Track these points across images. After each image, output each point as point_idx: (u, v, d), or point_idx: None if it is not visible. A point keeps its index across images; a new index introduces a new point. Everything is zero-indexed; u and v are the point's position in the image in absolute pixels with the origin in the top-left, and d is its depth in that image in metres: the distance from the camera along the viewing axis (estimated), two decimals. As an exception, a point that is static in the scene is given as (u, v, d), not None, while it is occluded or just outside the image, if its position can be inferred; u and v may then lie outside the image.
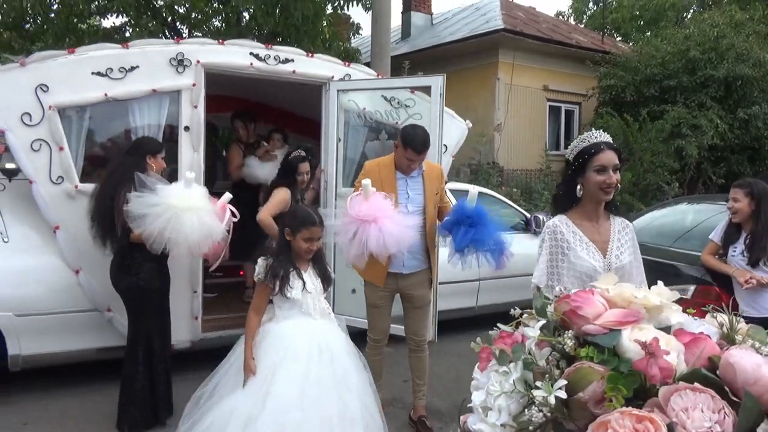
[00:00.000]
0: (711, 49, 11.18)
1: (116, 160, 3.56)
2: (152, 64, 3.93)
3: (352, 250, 3.08)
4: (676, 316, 1.06)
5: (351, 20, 17.54)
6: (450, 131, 5.17)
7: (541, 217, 6.04)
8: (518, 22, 13.09)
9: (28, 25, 12.04)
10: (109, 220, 3.42)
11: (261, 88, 5.30)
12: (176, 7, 12.46)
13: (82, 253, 3.72)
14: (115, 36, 12.92)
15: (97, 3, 12.19)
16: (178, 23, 13.80)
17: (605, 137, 2.34)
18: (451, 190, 5.92)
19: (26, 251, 3.75)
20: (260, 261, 2.83)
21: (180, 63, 4.02)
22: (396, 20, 16.26)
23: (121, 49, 3.90)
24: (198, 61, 4.07)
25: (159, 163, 3.60)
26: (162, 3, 11.89)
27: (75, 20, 12.16)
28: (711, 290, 3.47)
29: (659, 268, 3.85)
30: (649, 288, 1.23)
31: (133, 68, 3.86)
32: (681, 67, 11.36)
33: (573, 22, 22.59)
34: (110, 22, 13.34)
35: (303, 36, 13.09)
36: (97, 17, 13.74)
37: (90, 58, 3.78)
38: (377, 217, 3.01)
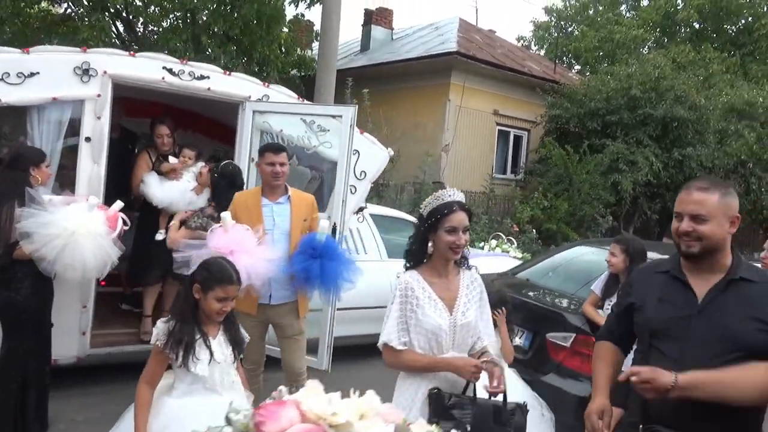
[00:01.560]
0: (652, 88, 11.56)
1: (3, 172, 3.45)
2: (54, 71, 3.83)
3: None
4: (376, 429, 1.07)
5: (313, 26, 17.56)
6: (370, 158, 5.20)
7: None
8: (473, 46, 13.29)
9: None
10: None
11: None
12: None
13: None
14: (64, 27, 12.59)
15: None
16: (131, 16, 13.53)
17: (459, 197, 2.40)
18: (374, 215, 5.97)
19: None
20: (160, 324, 2.43)
21: (85, 72, 3.92)
22: (357, 32, 16.35)
23: (21, 54, 3.79)
24: (105, 72, 3.99)
25: (44, 173, 3.50)
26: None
27: (22, 4, 11.78)
28: (589, 340, 3.56)
29: (545, 315, 3.94)
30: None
31: (32, 74, 3.75)
32: (623, 104, 11.71)
33: (534, 48, 23.09)
34: (61, 8, 12.87)
35: (258, 40, 13.00)
36: (47, 2, 13.36)
37: (-15, 61, 3.66)
38: (233, 250, 3.02)
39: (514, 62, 13.90)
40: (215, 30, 12.46)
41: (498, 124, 13.53)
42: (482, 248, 7.86)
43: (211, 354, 2.41)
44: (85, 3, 12.63)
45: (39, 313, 3.53)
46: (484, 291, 2.54)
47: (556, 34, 21.28)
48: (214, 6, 12.69)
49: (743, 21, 19.91)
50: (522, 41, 23.85)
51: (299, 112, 4.53)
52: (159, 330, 2.42)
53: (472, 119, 12.92)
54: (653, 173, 11.20)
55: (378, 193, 10.46)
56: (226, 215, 3.13)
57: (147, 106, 5.42)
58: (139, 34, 13.64)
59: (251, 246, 3.10)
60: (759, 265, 3.93)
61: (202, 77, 4.38)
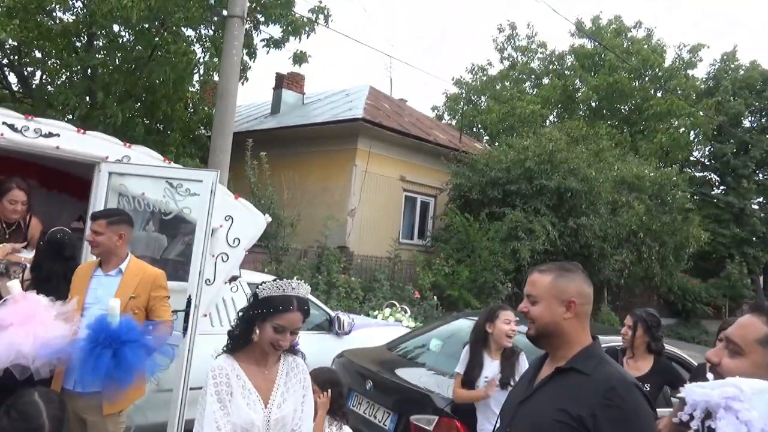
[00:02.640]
0: (546, 161, 12.10)
1: None
2: None
3: None
4: None
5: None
6: (245, 224, 4.94)
7: (344, 317, 5.89)
8: (380, 113, 13.54)
9: None
10: None
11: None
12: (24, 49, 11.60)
13: None
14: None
15: None
16: (27, 69, 12.91)
17: (302, 291, 2.20)
18: (252, 284, 5.64)
19: None
20: None
21: None
22: (269, 95, 16.36)
23: None
24: (-72, 127, 3.58)
25: None
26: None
27: None
28: (452, 424, 3.38)
29: (411, 396, 3.73)
30: None
31: None
32: (521, 174, 12.15)
33: (447, 119, 23.99)
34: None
35: (161, 98, 12.68)
36: None
37: None
38: (13, 323, 2.67)
39: (421, 131, 14.26)
40: (115, 87, 12.06)
41: (405, 189, 13.67)
42: (375, 317, 7.65)
43: None
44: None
45: None
46: (308, 378, 2.32)
47: (463, 106, 22.22)
48: (116, 64, 12.35)
49: (634, 102, 21.63)
50: (435, 111, 24.77)
51: (159, 175, 4.24)
52: None
53: (379, 184, 13.00)
54: (550, 241, 11.55)
55: (277, 258, 10.14)
56: (12, 284, 2.78)
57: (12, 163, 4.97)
58: (33, 87, 13.00)
59: (39, 320, 2.74)
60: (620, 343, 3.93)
61: (50, 134, 4.02)
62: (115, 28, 12.15)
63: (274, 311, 2.12)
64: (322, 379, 3.01)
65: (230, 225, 4.83)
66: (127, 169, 4.24)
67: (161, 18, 11.46)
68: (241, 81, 12.94)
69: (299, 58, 13.31)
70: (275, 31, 13.25)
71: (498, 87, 22.40)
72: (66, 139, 4.11)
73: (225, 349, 2.23)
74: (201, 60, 13.00)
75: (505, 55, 22.98)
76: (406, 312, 7.67)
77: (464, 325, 4.78)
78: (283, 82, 15.79)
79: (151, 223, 4.35)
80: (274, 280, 2.23)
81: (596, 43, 21.12)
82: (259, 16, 12.69)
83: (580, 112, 21.53)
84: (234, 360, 2.18)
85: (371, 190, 12.78)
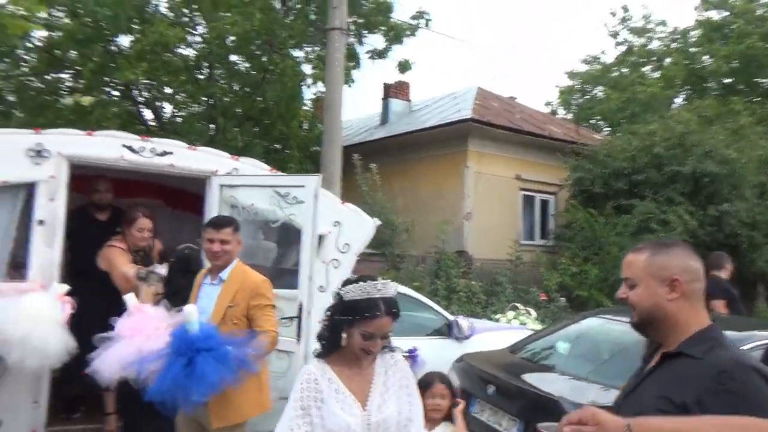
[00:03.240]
0: (677, 145, 11.05)
1: None
2: (4, 153, 3.72)
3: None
4: None
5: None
6: (354, 229, 4.89)
7: (463, 321, 5.63)
8: (489, 112, 13.15)
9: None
10: None
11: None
12: (147, 83, 12.61)
13: None
14: (92, 116, 13.13)
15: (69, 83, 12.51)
16: (158, 104, 14.03)
17: (389, 292, 2.00)
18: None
19: None
20: None
21: (38, 154, 3.80)
22: (378, 107, 16.54)
23: (-32, 137, 3.71)
24: (59, 152, 3.86)
25: None
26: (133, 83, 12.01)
27: (49, 98, 12.37)
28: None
29: (537, 402, 3.40)
30: None
31: (-20, 158, 3.65)
32: (648, 162, 11.20)
33: (562, 113, 22.91)
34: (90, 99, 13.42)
35: (277, 118, 13.22)
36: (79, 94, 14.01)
37: (-72, 146, 3.57)
38: (126, 335, 2.67)
39: (534, 126, 13.67)
40: (234, 112, 12.76)
41: (522, 188, 13.14)
42: (498, 320, 7.31)
43: None
44: (115, 93, 13.24)
45: None
46: (410, 376, 2.13)
47: (579, 98, 21.11)
48: (234, 90, 13.07)
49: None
50: (549, 106, 23.77)
51: (264, 184, 4.29)
52: None
53: (494, 185, 12.59)
54: (688, 232, 10.49)
55: (394, 265, 10.08)
56: (128, 297, 2.82)
57: (137, 186, 5.30)
58: (164, 120, 14.10)
59: (146, 333, 2.75)
60: None
61: (164, 153, 4.21)
62: (232, 57, 12.96)
63: (360, 318, 1.95)
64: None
65: (339, 231, 4.80)
66: (235, 180, 4.33)
67: (269, 40, 11.95)
68: (348, 84, 13.19)
69: (404, 66, 13.35)
70: (378, 41, 13.41)
71: (615, 74, 21.02)
72: (179, 157, 4.27)
73: (316, 353, 2.10)
74: (310, 77, 13.42)
75: (619, 40, 21.56)
76: (531, 314, 7.25)
77: (594, 324, 4.36)
78: (390, 91, 15.89)
79: (261, 232, 4.40)
80: (357, 281, 2.04)
81: (725, 13, 19.18)
82: (360, 29, 12.91)
83: (712, 92, 19.59)
84: (325, 364, 2.04)
85: (486, 191, 12.40)
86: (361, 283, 2.00)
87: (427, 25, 13.43)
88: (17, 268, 3.85)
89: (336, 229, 4.78)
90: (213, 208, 4.30)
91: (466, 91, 15.32)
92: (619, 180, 11.42)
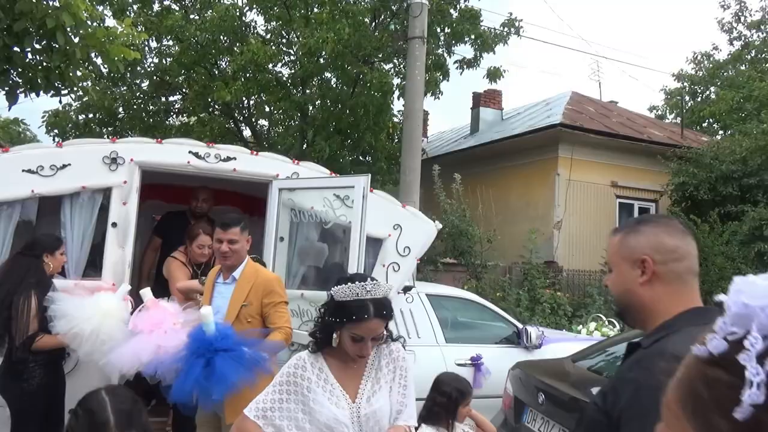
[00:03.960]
0: (796, 144, 10.01)
1: (10, 260, 3.61)
2: (84, 161, 4.07)
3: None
4: None
5: (426, 115, 17.94)
6: (414, 233, 4.86)
7: (532, 330, 5.39)
8: (582, 117, 12.61)
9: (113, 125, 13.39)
10: (3, 325, 3.42)
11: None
12: (244, 101, 13.32)
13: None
14: (197, 133, 14.10)
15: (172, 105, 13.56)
16: (255, 120, 14.81)
17: (379, 292, 1.94)
18: (431, 295, 5.47)
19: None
20: None
21: (113, 161, 4.13)
22: (468, 116, 16.40)
23: (55, 147, 4.09)
24: (132, 159, 4.16)
25: (57, 260, 3.60)
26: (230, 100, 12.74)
27: (152, 120, 13.43)
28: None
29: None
30: None
31: (64, 166, 4.02)
32: (762, 164, 10.21)
33: (669, 117, 21.49)
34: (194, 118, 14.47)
35: (365, 130, 13.47)
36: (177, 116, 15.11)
37: (23, 156, 3.99)
38: (144, 330, 2.77)
39: (633, 130, 12.92)
40: (324, 125, 13.17)
41: (618, 196, 12.43)
42: (579, 332, 6.93)
43: None
44: (216, 113, 14.14)
45: (50, 404, 3.53)
46: (406, 367, 2.06)
47: (685, 99, 19.67)
48: (326, 105, 13.50)
49: None
50: (654, 111, 22.40)
51: (318, 186, 4.37)
52: None
53: (587, 193, 12.03)
54: (809, 240, 9.43)
55: (476, 275, 9.88)
56: (144, 291, 2.94)
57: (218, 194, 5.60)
58: (261, 135, 14.83)
59: (164, 328, 2.84)
60: None
61: (228, 159, 4.42)
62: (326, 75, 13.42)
63: (348, 320, 1.91)
64: (447, 383, 2.74)
65: (399, 234, 4.78)
66: (292, 184, 4.45)
67: (357, 53, 12.24)
68: (435, 96, 13.18)
69: (493, 74, 13.11)
70: (467, 51, 13.30)
71: (730, 72, 19.42)
72: (242, 162, 4.47)
73: (310, 349, 2.07)
74: (398, 89, 13.56)
75: (734, 35, 19.89)
76: (615, 326, 6.80)
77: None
78: (480, 100, 15.70)
79: (315, 234, 4.48)
80: (347, 281, 1.97)
81: None
82: (448, 39, 12.87)
83: None
84: (320, 354, 2.02)
85: (578, 199, 11.87)
86: (351, 283, 1.95)
87: (518, 33, 13.14)
88: (93, 267, 4.18)
89: (396, 232, 4.78)
90: (273, 211, 4.45)
91: (560, 96, 14.81)
92: (728, 184, 10.50)
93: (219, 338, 2.79)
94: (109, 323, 3.49)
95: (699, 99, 20.23)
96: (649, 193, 12.46)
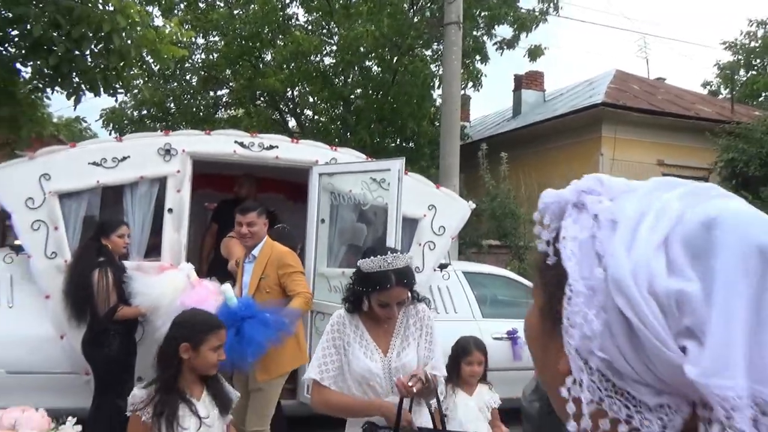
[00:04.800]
0: None
1: (80, 246, 4.04)
2: (142, 153, 4.46)
3: None
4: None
5: (469, 100, 17.95)
6: (449, 213, 5.07)
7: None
8: (626, 95, 12.43)
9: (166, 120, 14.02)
10: (83, 300, 3.84)
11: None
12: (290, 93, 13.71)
13: (67, 320, 4.18)
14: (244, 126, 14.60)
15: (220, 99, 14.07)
16: (300, 110, 15.22)
17: (400, 262, 2.18)
18: (467, 273, 5.66)
19: (26, 316, 4.30)
20: (137, 391, 2.26)
21: (167, 152, 4.49)
22: (510, 99, 16.34)
23: (115, 141, 4.48)
24: (183, 150, 4.52)
25: (114, 242, 3.97)
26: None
27: (203, 113, 13.99)
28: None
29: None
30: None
31: (124, 158, 4.41)
32: (816, 137, 9.89)
33: (723, 93, 20.76)
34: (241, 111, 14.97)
35: (407, 117, 13.65)
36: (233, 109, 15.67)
37: (88, 150, 4.40)
38: (188, 305, 3.10)
39: (680, 107, 12.65)
40: (366, 113, 13.43)
41: (665, 174, 12.18)
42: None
43: (200, 419, 2.22)
44: (262, 105, 14.61)
45: (125, 368, 3.96)
46: (431, 325, 2.30)
47: (737, 72, 18.96)
48: (367, 93, 13.76)
49: None
50: (708, 87, 21.66)
51: (355, 170, 4.62)
52: (136, 398, 2.21)
53: (632, 172, 11.85)
54: None
55: (519, 256, 9.98)
56: (189, 269, 3.29)
57: (266, 182, 5.97)
58: (305, 125, 15.23)
59: (208, 305, 3.17)
60: None
61: (270, 147, 4.73)
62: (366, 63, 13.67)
63: (373, 289, 2.16)
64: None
65: (434, 214, 5.00)
66: (330, 169, 4.72)
67: (397, 41, 12.42)
68: (476, 88, 13.25)
69: (534, 52, 13.04)
70: (506, 31, 13.25)
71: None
72: (283, 149, 4.77)
73: (346, 308, 2.33)
74: (438, 76, 13.68)
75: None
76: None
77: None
78: (522, 82, 15.62)
79: (354, 215, 4.74)
80: (372, 254, 2.21)
81: None
82: (487, 22, 12.87)
83: None
84: (355, 314, 2.29)
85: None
86: (374, 256, 2.19)
87: (556, 9, 13.02)
88: (155, 250, 4.58)
89: (431, 213, 5.00)
90: (314, 195, 4.74)
91: (604, 75, 14.59)
92: (780, 160, 10.21)
93: (242, 308, 3.19)
94: (178, 299, 3.85)
95: (755, 72, 19.45)
96: (697, 171, 12.20)
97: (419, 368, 2.15)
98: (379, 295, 2.16)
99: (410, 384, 2.02)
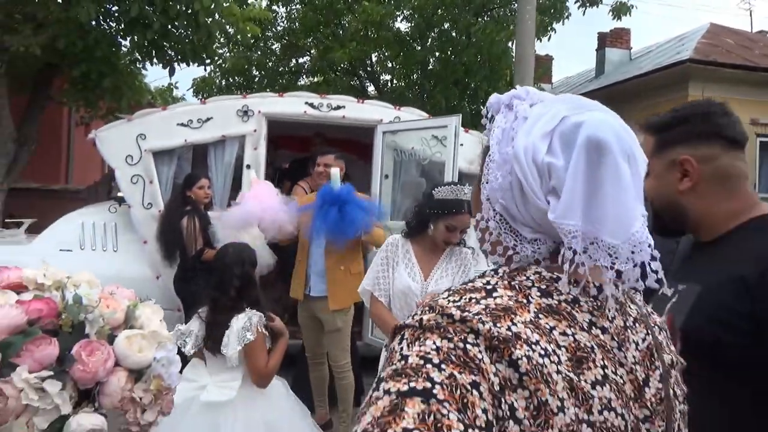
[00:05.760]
0: None
1: (171, 197, 4.58)
2: (223, 115, 4.91)
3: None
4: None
5: (551, 60, 17.51)
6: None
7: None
8: (717, 51, 11.73)
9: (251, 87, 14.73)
10: (173, 243, 4.39)
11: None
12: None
13: (161, 261, 4.77)
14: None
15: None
16: (378, 76, 15.50)
17: (470, 195, 2.48)
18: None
19: (129, 259, 4.93)
20: (253, 317, 2.49)
21: (245, 113, 4.93)
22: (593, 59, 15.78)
23: (200, 104, 4.97)
24: (259, 111, 4.94)
25: (197, 193, 4.44)
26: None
27: (286, 80, 14.57)
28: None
29: None
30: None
31: (208, 119, 4.89)
32: None
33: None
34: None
35: (482, 80, 13.60)
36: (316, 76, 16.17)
37: (177, 113, 4.91)
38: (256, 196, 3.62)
39: (778, 61, 11.80)
40: (441, 76, 13.50)
41: (758, 134, 11.54)
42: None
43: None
44: (340, 73, 15.02)
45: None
46: (470, 267, 2.58)
47: None
48: (440, 53, 13.80)
49: None
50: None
51: (415, 127, 4.86)
52: (253, 321, 2.46)
53: (722, 132, 11.30)
54: None
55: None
56: (251, 173, 3.71)
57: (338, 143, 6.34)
58: (384, 90, 15.51)
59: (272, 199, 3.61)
60: None
61: (338, 107, 5.06)
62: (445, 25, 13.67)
63: (448, 212, 2.46)
64: None
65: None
66: (392, 127, 4.99)
67: (473, 1, 12.34)
68: (539, 38, 12.87)
69: (618, 9, 12.54)
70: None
71: None
72: (350, 109, 5.09)
73: (403, 233, 2.65)
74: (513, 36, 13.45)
75: None
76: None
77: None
78: (605, 41, 15.03)
79: (415, 170, 4.99)
80: (447, 184, 2.54)
81: None
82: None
83: None
84: (408, 240, 2.60)
85: (711, 139, 11.20)
86: (451, 185, 2.53)
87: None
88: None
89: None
90: (378, 152, 5.03)
91: (696, 30, 13.77)
92: None
93: (345, 192, 3.57)
94: (256, 244, 4.30)
95: None
96: (796, 130, 11.42)
97: (436, 293, 2.43)
98: (450, 218, 2.47)
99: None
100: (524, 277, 0.78)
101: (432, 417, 0.62)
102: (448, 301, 0.74)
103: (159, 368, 1.26)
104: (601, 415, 0.69)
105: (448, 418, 0.62)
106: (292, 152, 6.52)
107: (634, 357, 0.77)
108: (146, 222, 4.82)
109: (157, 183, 4.86)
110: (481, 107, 14.30)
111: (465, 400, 0.63)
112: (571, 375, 0.69)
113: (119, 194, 5.00)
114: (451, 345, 0.67)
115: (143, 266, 4.90)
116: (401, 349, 0.69)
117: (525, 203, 0.80)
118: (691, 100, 10.47)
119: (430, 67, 13.86)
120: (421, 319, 0.71)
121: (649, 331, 0.82)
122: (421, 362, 0.66)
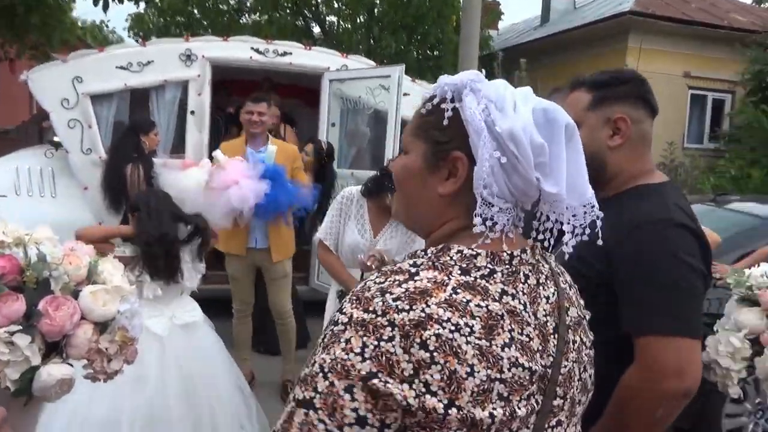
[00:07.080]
0: None
1: (115, 141, 4.45)
2: (165, 59, 4.77)
3: (218, 213, 3.51)
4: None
5: (498, 6, 17.46)
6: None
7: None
8: (656, 3, 12.03)
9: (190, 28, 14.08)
10: (118, 192, 4.30)
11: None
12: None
13: (104, 208, 4.68)
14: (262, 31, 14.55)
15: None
16: (323, 16, 15.09)
17: None
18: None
19: (68, 205, 4.81)
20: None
21: (188, 57, 4.80)
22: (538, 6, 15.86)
23: (140, 47, 4.79)
24: (203, 56, 4.82)
25: (151, 139, 4.37)
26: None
27: (227, 18, 13.98)
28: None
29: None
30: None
31: (149, 62, 4.74)
32: None
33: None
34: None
35: (431, 24, 13.49)
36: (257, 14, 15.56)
37: (115, 55, 4.73)
38: (236, 179, 3.44)
39: (712, 16, 12.22)
40: (388, 20, 13.29)
41: (690, 87, 12.05)
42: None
43: None
44: (288, 11, 14.53)
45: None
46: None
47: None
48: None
49: None
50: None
51: (360, 76, 4.87)
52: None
53: (657, 84, 11.09)
54: None
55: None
56: (217, 153, 3.59)
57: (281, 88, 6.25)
58: (329, 33, 15.15)
59: (247, 172, 3.53)
60: None
61: (285, 53, 4.99)
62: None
63: None
64: None
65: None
66: (339, 75, 4.98)
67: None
68: None
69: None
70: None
71: None
72: (297, 56, 5.03)
73: (361, 191, 2.72)
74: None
75: None
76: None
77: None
78: (550, -11, 15.10)
79: (362, 120, 5.04)
80: None
81: None
82: None
83: None
84: (365, 198, 2.68)
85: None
86: None
87: None
88: (178, 149, 4.99)
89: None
90: (325, 100, 5.04)
91: (639, -19, 14.00)
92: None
93: (272, 170, 3.58)
94: (202, 194, 4.23)
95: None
96: (725, 83, 11.96)
97: (380, 250, 2.53)
98: None
99: (368, 262, 2.34)
100: (448, 257, 0.86)
101: (307, 427, 0.74)
102: (375, 282, 0.82)
103: (123, 320, 1.33)
104: (510, 372, 0.79)
105: (316, 428, 0.74)
106: (239, 97, 6.37)
107: (544, 310, 0.89)
108: (86, 168, 4.71)
109: (96, 128, 4.72)
110: (429, 53, 14.27)
111: (335, 405, 0.74)
112: (482, 342, 0.78)
113: (55, 138, 4.83)
114: (367, 342, 0.76)
115: (84, 213, 4.79)
116: (319, 346, 0.80)
117: (510, 177, 0.88)
118: (630, 50, 10.79)
119: (378, 10, 13.60)
120: (351, 314, 0.79)
121: (557, 287, 0.94)
122: (317, 371, 0.76)
